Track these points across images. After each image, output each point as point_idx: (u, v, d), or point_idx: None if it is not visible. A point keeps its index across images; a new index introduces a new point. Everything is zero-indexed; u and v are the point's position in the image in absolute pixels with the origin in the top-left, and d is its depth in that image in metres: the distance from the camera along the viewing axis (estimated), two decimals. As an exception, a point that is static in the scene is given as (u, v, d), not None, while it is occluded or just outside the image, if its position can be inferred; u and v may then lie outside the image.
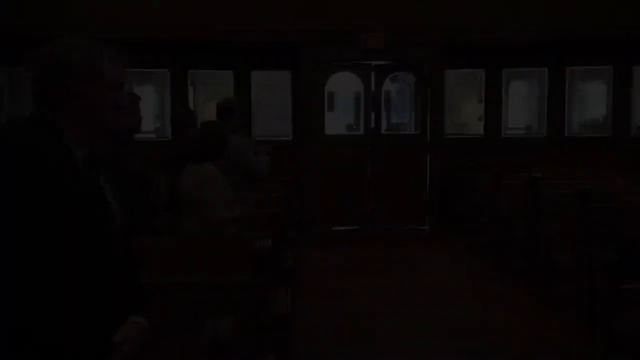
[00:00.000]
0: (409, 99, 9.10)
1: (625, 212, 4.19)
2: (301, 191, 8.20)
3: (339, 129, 9.18)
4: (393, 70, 10.37)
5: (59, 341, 1.34)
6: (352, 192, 9.45)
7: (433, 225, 8.41)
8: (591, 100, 8.94)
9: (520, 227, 5.49)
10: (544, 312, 4.60)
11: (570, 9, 8.07)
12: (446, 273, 5.93)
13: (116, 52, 1.62)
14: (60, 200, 1.38)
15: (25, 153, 1.37)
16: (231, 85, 8.58)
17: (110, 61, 1.59)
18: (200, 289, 2.39)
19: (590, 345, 3.87)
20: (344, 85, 11.79)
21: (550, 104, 8.81)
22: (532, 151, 8.68)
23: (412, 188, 9.04)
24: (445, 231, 8.19)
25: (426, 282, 5.59)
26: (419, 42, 8.12)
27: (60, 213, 1.37)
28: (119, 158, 2.86)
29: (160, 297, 2.31)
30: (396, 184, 12.29)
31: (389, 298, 5.03)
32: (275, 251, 3.27)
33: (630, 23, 7.99)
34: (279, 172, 7.57)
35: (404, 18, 8.06)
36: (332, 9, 8.03)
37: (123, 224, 1.60)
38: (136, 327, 1.58)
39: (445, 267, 6.14)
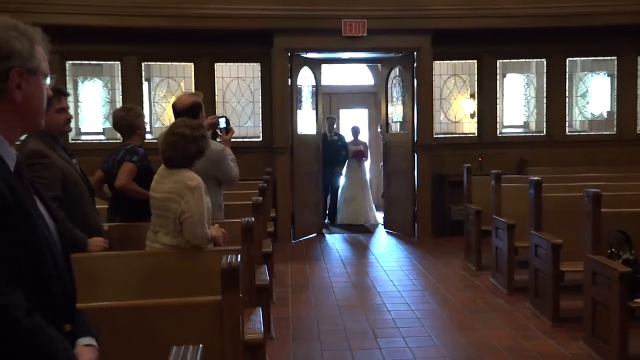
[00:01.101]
0: (398, 93, 9.12)
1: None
2: (274, 198, 8.15)
3: (315, 128, 9.19)
4: (376, 62, 10.51)
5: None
6: (329, 198, 9.55)
7: (423, 235, 8.44)
8: (595, 95, 9.08)
9: (522, 235, 5.52)
10: (550, 331, 4.61)
11: (570, -7, 8.20)
12: (437, 289, 5.92)
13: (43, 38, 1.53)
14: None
15: None
16: (192, 79, 8.49)
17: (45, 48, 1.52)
18: (164, 311, 2.34)
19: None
20: (322, 79, 11.84)
21: (549, 99, 8.94)
22: (531, 151, 8.79)
23: (400, 194, 9.07)
24: (436, 241, 8.23)
25: (416, 306, 5.56)
26: (404, 30, 8.16)
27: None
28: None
29: (119, 320, 2.26)
30: (381, 188, 12.34)
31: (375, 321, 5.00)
32: (248, 267, 3.20)
33: (636, 9, 8.15)
34: (250, 177, 7.61)
35: (388, 2, 8.10)
36: (307, -8, 8.03)
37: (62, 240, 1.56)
38: (90, 350, 1.57)
39: (437, 280, 6.14)
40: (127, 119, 4.15)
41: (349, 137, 9.99)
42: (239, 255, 2.45)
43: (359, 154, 9.73)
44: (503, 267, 5.82)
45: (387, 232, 9.00)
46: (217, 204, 3.98)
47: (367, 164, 10.14)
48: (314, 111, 8.85)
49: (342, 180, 9.85)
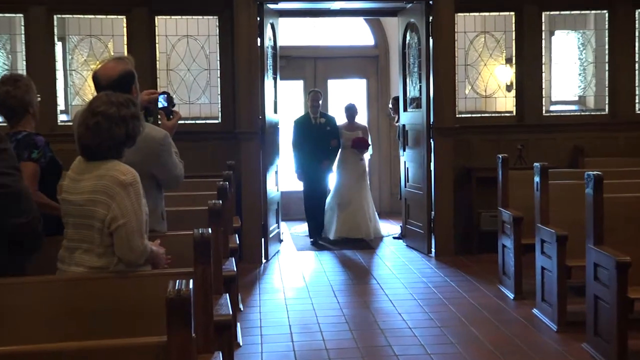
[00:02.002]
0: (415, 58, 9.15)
1: None
2: (239, 202, 8.15)
3: (292, 107, 9.16)
4: (377, 14, 10.53)
5: None
6: (314, 205, 9.56)
7: (443, 250, 8.51)
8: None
9: (578, 251, 5.56)
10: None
11: None
12: (461, 325, 5.96)
13: None
14: None
15: None
16: (124, 38, 8.46)
17: None
18: (89, 357, 2.33)
19: None
20: (302, 40, 11.88)
21: (614, 66, 9.02)
22: (588, 136, 8.87)
23: (411, 195, 9.10)
24: (460, 259, 8.30)
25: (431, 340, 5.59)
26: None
27: None
28: None
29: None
30: (385, 189, 12.40)
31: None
32: (204, 296, 3.20)
33: None
34: (205, 172, 7.57)
35: None
36: None
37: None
38: None
39: (462, 312, 6.17)
40: (15, 95, 4.05)
41: (340, 119, 10.00)
42: (191, 281, 2.45)
43: (359, 142, 9.71)
44: (551, 294, 5.88)
45: (408, 246, 9.12)
46: (156, 212, 3.96)
47: (367, 154, 10.11)
48: (271, 81, 8.86)
49: (332, 179, 9.85)
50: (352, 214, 9.63)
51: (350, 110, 9.94)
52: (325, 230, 9.73)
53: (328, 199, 9.76)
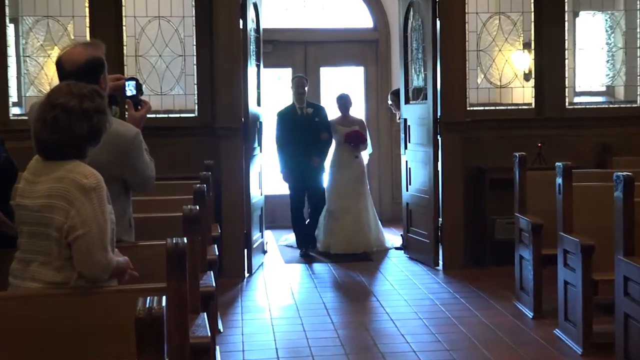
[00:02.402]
0: (419, 42, 9.17)
1: None
2: (218, 207, 8.14)
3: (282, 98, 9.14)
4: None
5: None
6: (301, 210, 9.56)
7: (452, 263, 8.53)
8: None
9: (606, 263, 5.57)
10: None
11: None
12: (473, 348, 5.97)
13: None
14: None
15: None
16: (86, 19, 8.44)
17: None
18: None
19: None
20: (290, 22, 11.88)
21: (646, 51, 9.07)
22: (617, 132, 8.90)
23: (415, 199, 9.11)
24: (471, 272, 8.33)
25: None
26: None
27: None
28: None
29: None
30: (386, 194, 12.44)
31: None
32: (178, 316, 3.19)
33: None
34: (180, 174, 7.55)
35: None
36: None
37: None
38: None
39: (474, 333, 6.18)
40: None
41: (332, 113, 9.98)
42: (164, 298, 2.44)
43: (354, 136, 9.61)
44: (575, 312, 5.89)
45: (410, 259, 9.15)
46: (124, 220, 3.97)
47: (366, 153, 10.09)
48: (255, 69, 8.88)
49: (324, 181, 9.81)
50: (349, 225, 9.52)
51: (343, 101, 9.85)
52: (318, 243, 9.67)
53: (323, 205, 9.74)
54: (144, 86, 4.38)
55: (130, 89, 4.21)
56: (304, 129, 9.42)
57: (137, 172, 3.99)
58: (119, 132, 3.81)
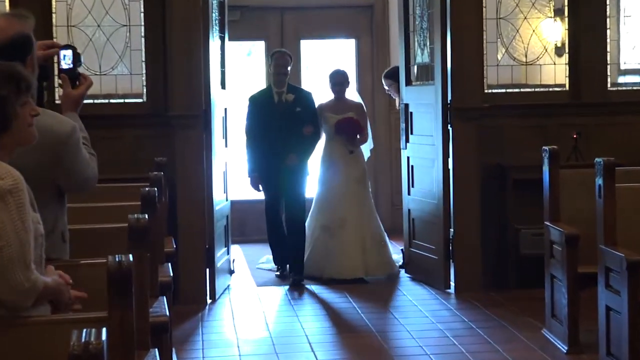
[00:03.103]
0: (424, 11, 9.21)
1: None
2: (173, 216, 8.14)
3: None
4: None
5: None
6: (278, 224, 9.54)
7: (466, 284, 8.57)
8: None
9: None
10: None
11: None
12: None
13: None
14: None
15: None
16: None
17: None
18: None
19: None
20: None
21: None
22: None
23: (419, 205, 9.13)
24: (491, 296, 8.36)
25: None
26: None
27: None
28: None
29: None
30: (384, 198, 12.47)
31: None
32: (123, 354, 3.20)
33: None
34: (124, 174, 7.54)
35: None
36: None
37: None
38: None
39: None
40: None
41: (321, 94, 9.89)
42: (104, 331, 2.45)
43: (347, 126, 9.39)
44: (620, 344, 5.92)
45: (413, 280, 9.20)
46: (55, 233, 3.98)
47: (366, 148, 9.90)
48: (218, 42, 8.89)
49: (309, 185, 9.62)
50: (347, 242, 9.24)
51: (338, 78, 9.62)
52: (305, 265, 9.33)
53: (309, 219, 9.55)
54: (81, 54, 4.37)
55: (66, 61, 4.20)
56: (281, 120, 9.23)
57: (73, 174, 4.02)
58: (50, 128, 3.83)
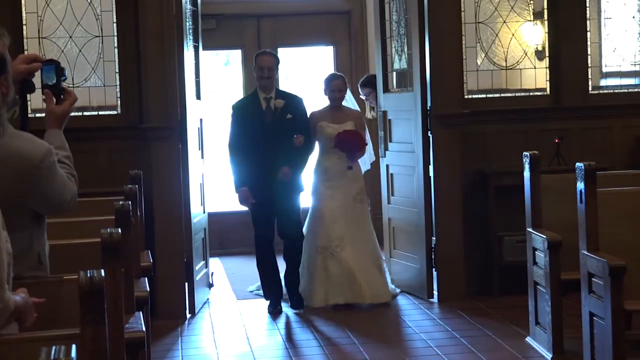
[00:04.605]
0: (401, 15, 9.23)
1: None
2: (150, 230, 8.13)
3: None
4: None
5: None
6: (268, 249, 9.24)
7: (449, 293, 8.61)
8: None
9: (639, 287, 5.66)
10: None
11: None
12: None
13: None
14: None
15: None
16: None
17: None
18: None
19: None
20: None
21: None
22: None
23: (400, 214, 9.15)
24: (475, 304, 8.40)
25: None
26: None
27: None
28: None
29: None
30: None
31: None
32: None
33: None
34: (98, 188, 7.54)
35: None
36: None
37: None
38: None
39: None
40: None
41: (313, 103, 9.38)
42: (73, 348, 2.45)
43: (349, 140, 8.60)
44: (604, 351, 5.94)
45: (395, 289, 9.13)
46: (30, 255, 3.97)
47: (365, 160, 9.24)
48: (192, 52, 8.87)
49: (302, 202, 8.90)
50: (352, 263, 8.59)
51: (337, 84, 8.83)
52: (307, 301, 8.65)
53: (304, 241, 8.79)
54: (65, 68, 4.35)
55: (49, 76, 4.17)
56: (270, 129, 8.47)
57: (48, 198, 3.99)
58: (22, 152, 3.81)
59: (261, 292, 8.97)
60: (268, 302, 8.69)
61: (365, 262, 8.71)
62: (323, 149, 8.84)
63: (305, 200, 9.02)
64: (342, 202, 8.75)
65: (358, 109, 9.59)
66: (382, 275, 8.83)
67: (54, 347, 2.44)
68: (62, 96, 4.19)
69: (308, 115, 8.83)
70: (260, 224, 8.70)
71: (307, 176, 8.92)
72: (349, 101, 9.32)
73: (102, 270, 3.34)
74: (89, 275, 3.25)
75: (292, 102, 8.70)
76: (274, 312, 8.55)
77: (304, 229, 8.84)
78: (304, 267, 8.75)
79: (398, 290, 8.98)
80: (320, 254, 8.65)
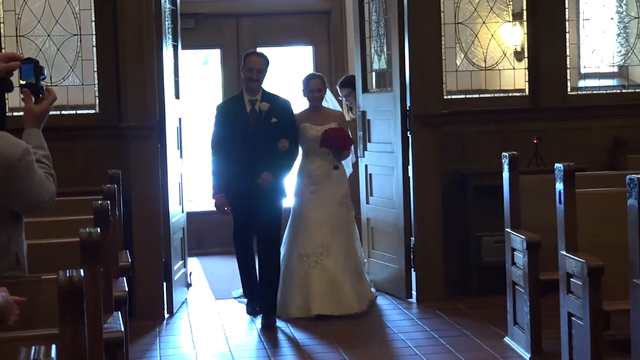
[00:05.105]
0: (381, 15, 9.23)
1: None
2: (128, 230, 8.11)
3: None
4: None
5: None
6: (249, 254, 9.19)
7: (427, 294, 8.63)
8: None
9: (619, 289, 5.65)
10: None
11: None
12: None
13: None
14: None
15: None
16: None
17: None
18: None
19: None
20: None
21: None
22: (633, 123, 9.06)
23: (380, 214, 9.16)
24: (453, 305, 8.42)
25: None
26: None
27: None
28: None
29: None
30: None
31: None
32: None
33: None
34: (77, 187, 7.51)
35: None
36: None
37: None
38: None
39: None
40: None
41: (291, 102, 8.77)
42: (53, 348, 2.45)
43: (335, 138, 8.28)
44: (583, 351, 5.96)
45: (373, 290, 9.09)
46: (8, 255, 3.97)
47: (347, 163, 8.93)
48: (171, 51, 8.83)
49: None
50: (336, 272, 8.27)
51: (316, 83, 8.54)
52: (277, 302, 8.29)
53: (283, 247, 8.52)
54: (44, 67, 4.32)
55: (27, 75, 4.15)
56: (254, 133, 8.13)
57: (25, 198, 3.98)
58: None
59: (245, 299, 8.75)
60: (247, 308, 8.50)
61: (350, 270, 8.39)
62: (306, 152, 8.53)
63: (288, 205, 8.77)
64: (326, 207, 8.43)
65: (339, 109, 9.38)
66: (362, 283, 8.56)
67: (33, 347, 2.43)
68: (41, 95, 4.17)
69: (294, 119, 8.46)
70: (239, 228, 8.46)
71: (291, 181, 8.62)
72: (329, 102, 9.16)
73: (82, 270, 3.34)
74: (68, 275, 3.25)
75: (278, 106, 8.33)
76: (252, 312, 8.40)
77: (286, 236, 8.55)
78: (282, 276, 8.37)
79: (376, 294, 8.85)
80: (302, 261, 8.28)
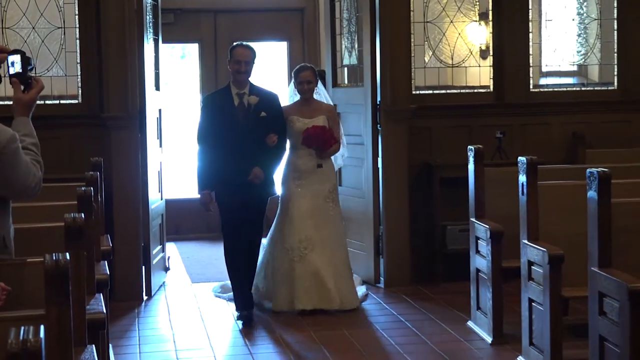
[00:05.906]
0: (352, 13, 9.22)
1: None
2: (109, 215, 8.09)
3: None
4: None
5: None
6: (240, 254, 8.60)
7: (395, 280, 8.65)
8: None
9: (578, 276, 5.68)
10: None
11: None
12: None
13: None
14: None
15: None
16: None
17: None
18: None
19: None
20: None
21: (626, 24, 9.25)
22: (591, 119, 9.13)
23: (351, 204, 9.18)
24: (419, 290, 8.44)
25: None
26: None
27: None
28: None
29: None
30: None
31: None
32: (60, 349, 3.18)
33: None
34: (61, 175, 7.48)
35: None
36: None
37: None
38: None
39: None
40: None
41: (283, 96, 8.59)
42: (41, 328, 2.43)
43: (316, 136, 7.84)
44: (542, 336, 6.00)
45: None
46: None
47: (338, 156, 8.46)
48: (152, 45, 8.78)
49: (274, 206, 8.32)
50: (320, 266, 7.88)
51: (306, 75, 8.05)
52: (262, 295, 8.08)
53: (267, 242, 8.17)
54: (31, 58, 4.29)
55: (15, 65, 4.12)
56: (241, 127, 7.61)
57: (11, 184, 3.95)
58: None
59: (223, 294, 8.41)
60: (238, 313, 7.70)
61: (335, 266, 7.97)
62: (293, 145, 8.05)
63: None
64: (312, 202, 8.01)
65: (331, 102, 8.69)
66: (350, 280, 8.12)
67: (22, 328, 2.41)
68: (29, 84, 4.14)
69: (282, 114, 7.97)
70: (229, 224, 7.80)
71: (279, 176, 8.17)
72: (322, 94, 8.63)
73: (67, 254, 3.32)
74: (54, 258, 3.23)
75: (267, 99, 7.79)
76: (245, 318, 7.62)
77: (271, 230, 8.17)
78: (268, 266, 8.08)
79: (366, 292, 8.43)
80: (287, 255, 7.89)
